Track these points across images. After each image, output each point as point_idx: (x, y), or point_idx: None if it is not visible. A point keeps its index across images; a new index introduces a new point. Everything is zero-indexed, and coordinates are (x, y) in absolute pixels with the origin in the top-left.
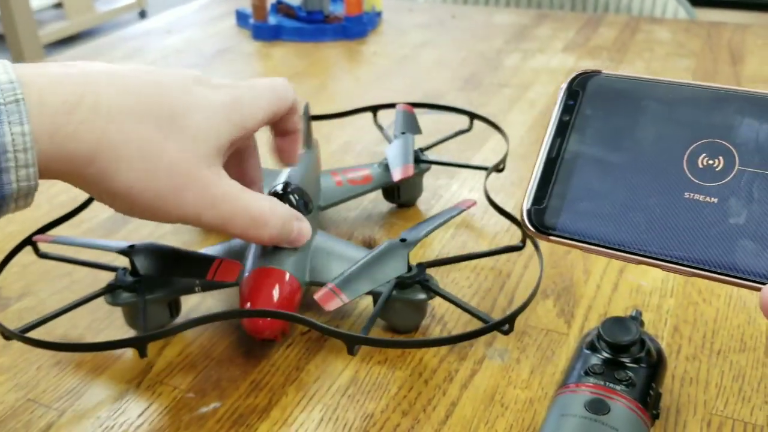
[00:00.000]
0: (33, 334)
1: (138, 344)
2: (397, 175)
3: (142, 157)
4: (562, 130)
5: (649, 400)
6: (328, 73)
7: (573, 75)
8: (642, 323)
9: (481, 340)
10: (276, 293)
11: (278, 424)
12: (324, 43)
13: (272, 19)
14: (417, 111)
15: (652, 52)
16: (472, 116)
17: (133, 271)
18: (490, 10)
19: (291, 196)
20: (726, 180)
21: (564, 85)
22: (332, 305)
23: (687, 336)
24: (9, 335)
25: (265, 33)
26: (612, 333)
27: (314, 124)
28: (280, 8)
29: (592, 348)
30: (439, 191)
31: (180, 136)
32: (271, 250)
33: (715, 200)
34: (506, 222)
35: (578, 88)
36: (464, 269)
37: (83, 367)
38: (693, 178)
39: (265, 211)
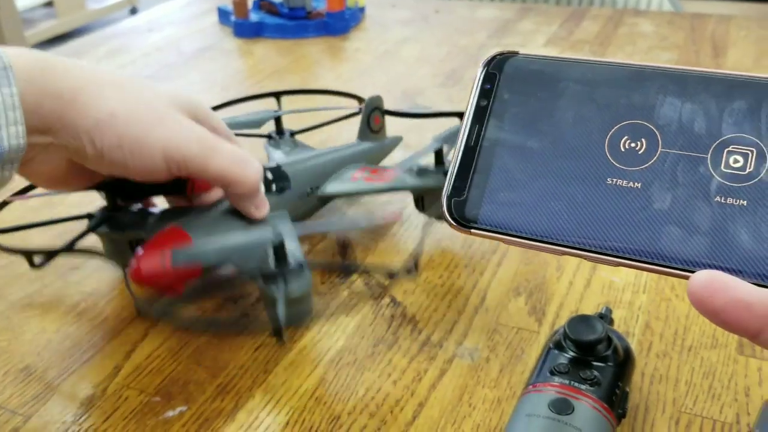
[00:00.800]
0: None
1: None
2: (378, 185)
3: (124, 90)
4: (480, 116)
5: (614, 399)
6: (310, 70)
7: (489, 56)
8: (611, 321)
9: (451, 340)
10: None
11: (244, 427)
12: (306, 40)
13: (254, 16)
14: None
15: (634, 45)
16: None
17: (111, 207)
18: (474, 5)
19: (266, 173)
20: (649, 163)
21: (480, 68)
22: (150, 267)
23: (658, 332)
24: None
25: (246, 30)
26: (577, 331)
27: (294, 115)
28: (263, 5)
29: (559, 347)
30: None
31: (155, 91)
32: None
33: (639, 185)
34: None
35: (495, 71)
36: (437, 268)
37: (50, 372)
38: (615, 163)
39: (244, 153)
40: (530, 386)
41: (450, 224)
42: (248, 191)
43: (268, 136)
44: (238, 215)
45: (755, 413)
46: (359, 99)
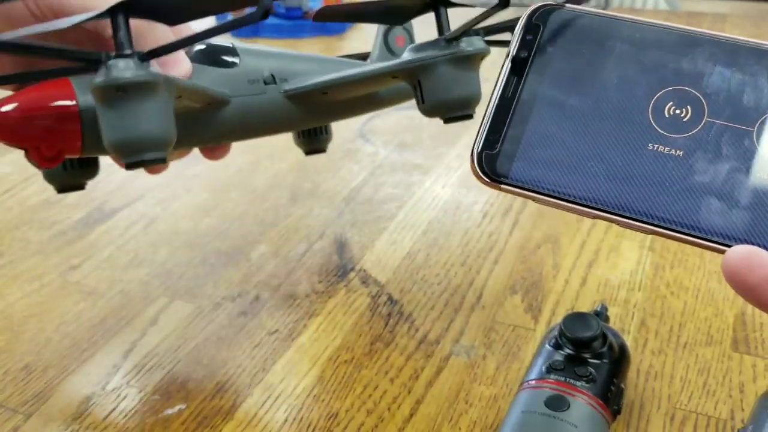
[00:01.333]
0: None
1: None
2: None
3: None
4: (519, 67)
5: (610, 396)
6: None
7: (533, 7)
8: (607, 318)
9: (448, 338)
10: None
11: (242, 425)
12: (303, 40)
13: None
14: None
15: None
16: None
17: None
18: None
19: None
20: (693, 132)
21: (523, 18)
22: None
23: (654, 330)
24: None
25: (243, 30)
26: (573, 329)
27: None
28: None
29: (555, 344)
30: (412, 188)
31: None
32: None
33: (681, 153)
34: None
35: (539, 22)
36: (434, 266)
37: (49, 371)
38: (658, 129)
39: None
40: (526, 383)
41: (479, 178)
42: None
43: None
44: None
45: (749, 409)
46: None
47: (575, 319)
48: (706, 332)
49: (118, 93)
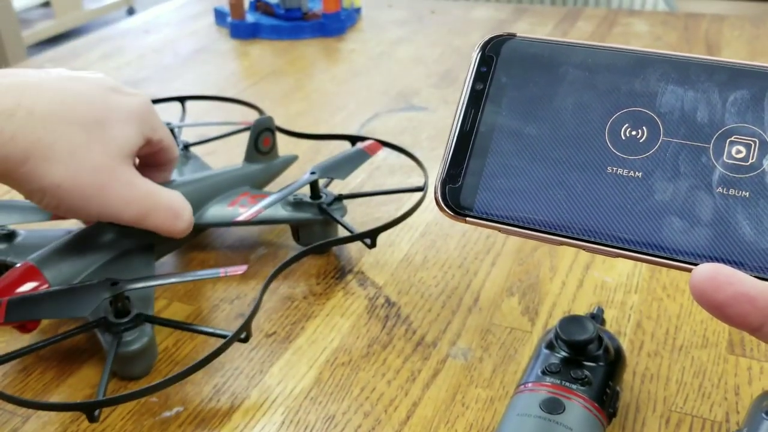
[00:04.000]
0: None
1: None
2: (240, 217)
3: (71, 157)
4: (476, 100)
5: (605, 399)
6: (305, 72)
7: (485, 39)
8: (603, 321)
9: (445, 340)
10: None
11: (240, 427)
12: (302, 41)
13: (250, 17)
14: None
15: (628, 45)
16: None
17: None
18: (469, 5)
19: None
20: (650, 152)
21: (476, 50)
22: None
23: (650, 332)
24: None
25: (242, 31)
26: (569, 332)
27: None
28: (259, 6)
29: (551, 347)
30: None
31: (103, 140)
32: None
33: (640, 174)
34: None
35: (492, 54)
36: (431, 268)
37: (48, 373)
38: (615, 151)
39: (179, 203)
40: (522, 386)
41: (444, 212)
42: (182, 234)
43: None
44: (97, 248)
45: (744, 412)
46: (259, 111)
47: (571, 321)
48: (701, 335)
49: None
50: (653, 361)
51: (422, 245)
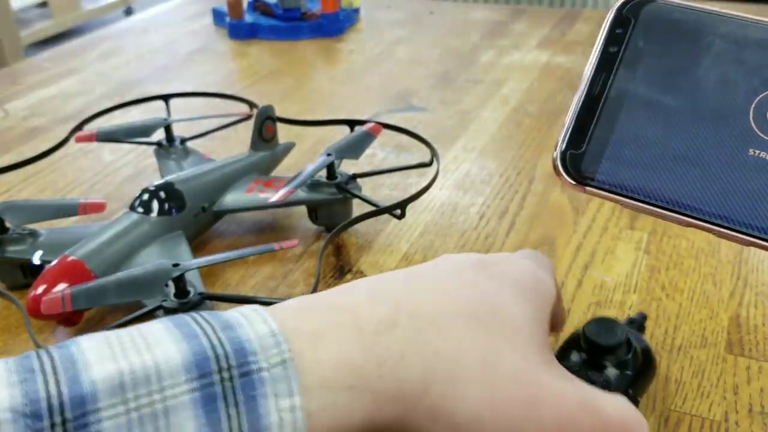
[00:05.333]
0: None
1: None
2: (271, 199)
3: (483, 370)
4: (608, 63)
5: None
6: (304, 72)
7: None
8: (642, 327)
9: None
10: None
11: None
12: (301, 41)
13: (249, 18)
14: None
15: None
16: (429, 146)
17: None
18: (468, 6)
19: (159, 193)
20: None
21: (613, 10)
22: (50, 310)
23: (649, 332)
24: None
25: (241, 31)
26: (595, 333)
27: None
28: (257, 6)
29: (575, 345)
30: (409, 189)
31: (513, 337)
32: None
33: None
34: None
35: (630, 15)
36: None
37: None
38: (760, 133)
39: (632, 418)
40: None
41: (563, 180)
42: None
43: (158, 144)
44: (133, 238)
45: (744, 411)
46: (251, 104)
47: (600, 323)
48: (700, 334)
49: None
50: None
51: (421, 245)
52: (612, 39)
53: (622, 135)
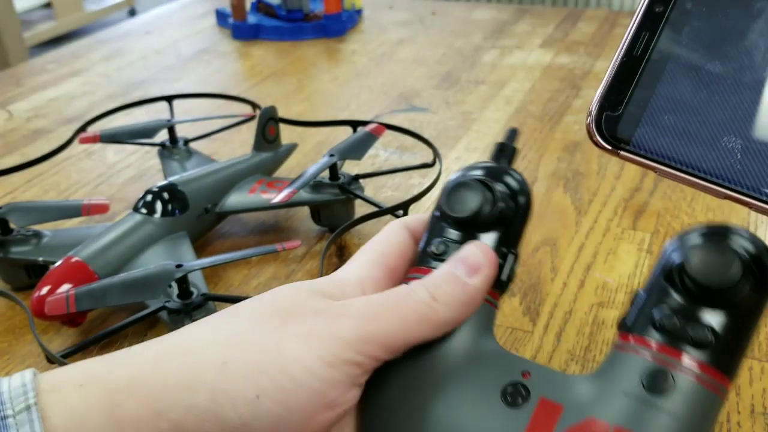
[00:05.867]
0: None
1: None
2: (273, 200)
3: None
4: (652, 23)
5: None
6: (306, 73)
7: None
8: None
9: None
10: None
11: None
12: (303, 42)
13: (252, 18)
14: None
15: None
16: (431, 146)
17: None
18: (470, 6)
19: (162, 194)
20: None
21: None
22: (54, 311)
23: None
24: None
25: (244, 32)
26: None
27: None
28: (260, 7)
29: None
30: (412, 190)
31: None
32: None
33: None
34: None
35: None
36: None
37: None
38: None
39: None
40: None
41: (596, 142)
42: None
43: (162, 145)
44: (137, 239)
45: (746, 412)
46: (254, 105)
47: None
48: None
49: None
50: None
51: None
52: None
53: (663, 100)
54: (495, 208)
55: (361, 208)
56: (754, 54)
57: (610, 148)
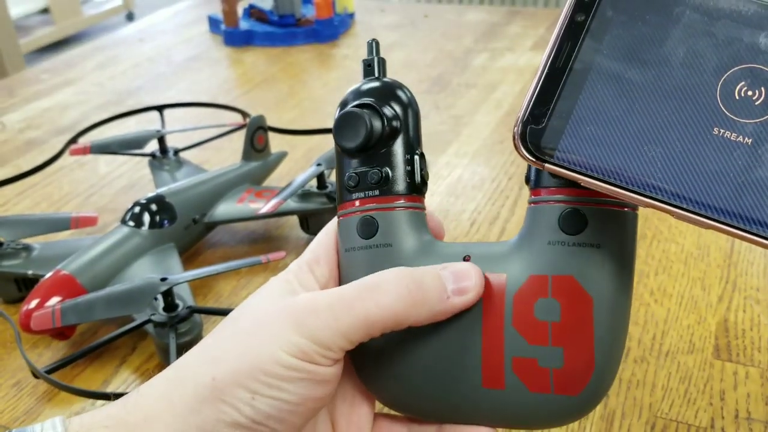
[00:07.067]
0: None
1: None
2: (261, 210)
3: None
4: (574, 33)
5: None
6: (298, 78)
7: None
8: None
9: None
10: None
11: None
12: (295, 47)
13: (244, 24)
14: None
15: None
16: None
17: None
18: (463, 9)
19: (150, 206)
20: (766, 117)
21: None
22: (41, 326)
23: (636, 338)
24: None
25: (236, 38)
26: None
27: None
28: (252, 13)
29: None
30: None
31: None
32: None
33: (749, 141)
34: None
35: None
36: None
37: (40, 386)
38: (726, 111)
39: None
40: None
41: (522, 155)
42: None
43: (152, 155)
44: (125, 252)
45: (730, 417)
46: (244, 114)
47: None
48: (688, 340)
49: None
50: (639, 367)
51: None
52: (579, 6)
53: (584, 111)
54: (383, 127)
55: None
56: (671, 60)
57: (534, 160)
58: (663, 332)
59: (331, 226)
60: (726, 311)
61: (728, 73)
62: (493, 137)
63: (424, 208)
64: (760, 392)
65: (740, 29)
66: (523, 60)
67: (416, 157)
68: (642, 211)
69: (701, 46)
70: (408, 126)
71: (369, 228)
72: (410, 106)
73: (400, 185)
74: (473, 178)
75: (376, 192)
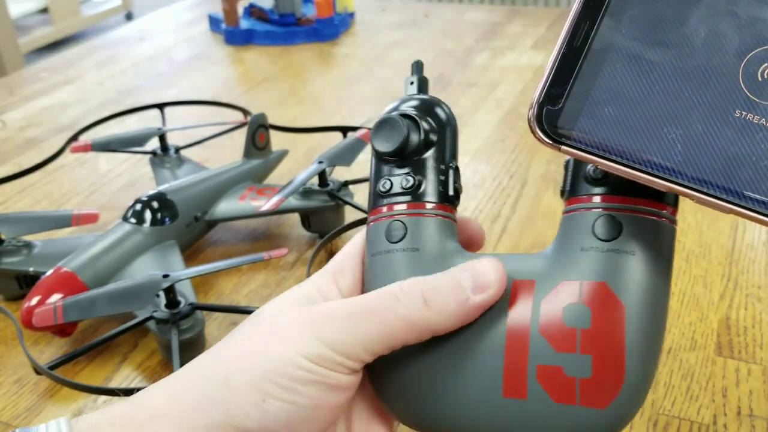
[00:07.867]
0: None
1: None
2: (262, 208)
3: None
4: (592, 11)
5: (442, 187)
6: (299, 77)
7: None
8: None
9: None
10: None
11: None
12: (296, 46)
13: (245, 23)
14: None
15: None
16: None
17: None
18: (463, 8)
19: (151, 203)
20: None
21: None
22: (42, 323)
23: None
24: (40, 371)
25: (237, 37)
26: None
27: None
28: (253, 12)
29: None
30: None
31: None
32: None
33: None
34: None
35: None
36: None
37: (42, 384)
38: (748, 93)
39: None
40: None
41: (538, 137)
42: None
43: (153, 153)
44: (126, 249)
45: (732, 414)
46: (245, 112)
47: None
48: (690, 337)
49: None
50: None
51: None
52: None
53: (602, 91)
54: (419, 138)
55: (351, 214)
56: (692, 41)
57: (550, 143)
58: (665, 329)
59: (358, 237)
60: (728, 309)
61: (751, 53)
62: (494, 136)
63: (455, 220)
64: (762, 389)
65: (764, 8)
66: (523, 59)
67: (451, 170)
68: None
69: (723, 25)
70: (445, 140)
71: (397, 232)
72: (449, 123)
73: (433, 194)
74: (474, 177)
75: (408, 198)
